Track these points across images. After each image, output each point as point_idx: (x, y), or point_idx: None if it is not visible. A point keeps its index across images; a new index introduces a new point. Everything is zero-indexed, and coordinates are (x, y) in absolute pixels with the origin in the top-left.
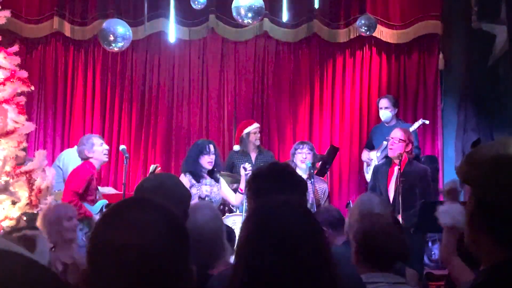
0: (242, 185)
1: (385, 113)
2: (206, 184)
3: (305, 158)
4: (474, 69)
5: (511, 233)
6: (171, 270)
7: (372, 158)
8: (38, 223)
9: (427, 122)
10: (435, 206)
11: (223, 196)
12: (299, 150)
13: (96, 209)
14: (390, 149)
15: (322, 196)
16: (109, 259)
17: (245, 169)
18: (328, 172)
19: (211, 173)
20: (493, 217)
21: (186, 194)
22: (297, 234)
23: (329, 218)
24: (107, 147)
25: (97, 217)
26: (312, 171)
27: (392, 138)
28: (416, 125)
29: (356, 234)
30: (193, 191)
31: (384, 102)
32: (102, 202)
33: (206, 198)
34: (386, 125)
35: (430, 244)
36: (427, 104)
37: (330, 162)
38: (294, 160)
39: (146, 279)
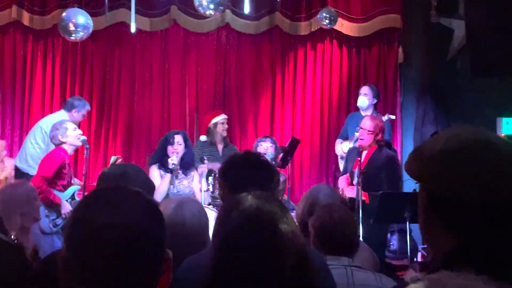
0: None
1: (362, 99)
2: (176, 177)
3: (266, 149)
4: (433, 63)
5: (459, 222)
6: (150, 250)
7: (346, 152)
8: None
9: (393, 117)
10: (394, 197)
11: (193, 190)
12: (261, 143)
13: (66, 195)
14: (361, 139)
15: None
16: (90, 239)
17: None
18: (289, 164)
19: (182, 166)
20: (443, 208)
21: (149, 182)
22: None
23: None
24: (80, 132)
25: (66, 203)
26: (273, 164)
27: (362, 128)
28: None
29: (314, 222)
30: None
31: (364, 89)
32: (74, 188)
33: (175, 191)
34: (362, 113)
35: (389, 235)
36: (387, 97)
37: (292, 153)
38: None
39: (126, 259)
